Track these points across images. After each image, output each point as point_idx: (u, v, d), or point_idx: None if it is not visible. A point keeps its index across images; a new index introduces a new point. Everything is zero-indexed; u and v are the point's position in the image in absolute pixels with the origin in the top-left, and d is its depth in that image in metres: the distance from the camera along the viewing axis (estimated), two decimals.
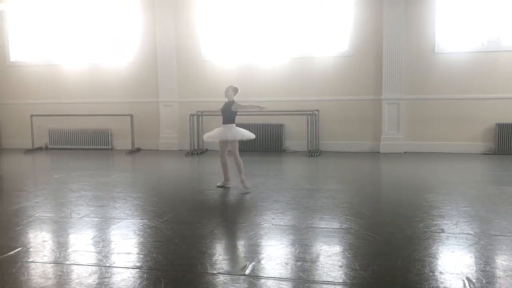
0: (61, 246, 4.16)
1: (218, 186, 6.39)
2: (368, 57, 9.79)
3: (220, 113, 6.55)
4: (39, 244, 4.22)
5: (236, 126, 6.47)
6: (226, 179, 6.44)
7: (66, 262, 3.69)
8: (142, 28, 10.63)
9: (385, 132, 9.80)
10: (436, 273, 3.35)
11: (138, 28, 10.65)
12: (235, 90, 6.48)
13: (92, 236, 4.39)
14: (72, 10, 10.91)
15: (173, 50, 10.51)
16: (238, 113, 6.51)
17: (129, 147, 10.68)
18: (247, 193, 6.07)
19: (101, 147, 10.86)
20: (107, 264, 3.64)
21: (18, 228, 4.67)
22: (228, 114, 6.39)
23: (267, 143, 10.16)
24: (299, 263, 3.57)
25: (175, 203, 5.67)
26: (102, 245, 4.12)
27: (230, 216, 5.02)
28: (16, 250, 3.98)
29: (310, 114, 9.61)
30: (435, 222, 4.62)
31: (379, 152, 9.78)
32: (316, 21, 10.02)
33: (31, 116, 10.75)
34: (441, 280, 3.21)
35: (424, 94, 9.68)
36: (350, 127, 9.97)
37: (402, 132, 9.79)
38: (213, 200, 5.71)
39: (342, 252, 3.85)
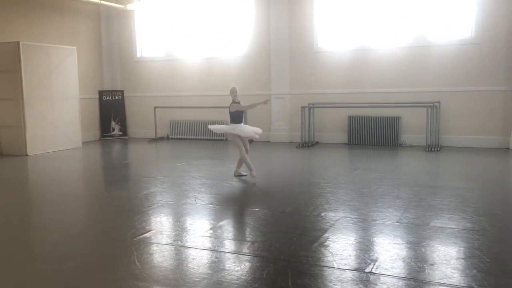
0: (188, 230, 4.39)
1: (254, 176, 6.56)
2: (497, 45, 8.89)
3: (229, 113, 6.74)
4: (169, 227, 4.50)
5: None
6: (250, 168, 6.61)
7: (197, 247, 3.88)
8: (256, 21, 10.82)
9: None
10: None
11: (252, 21, 10.87)
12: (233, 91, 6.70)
13: (217, 223, 4.56)
14: (190, 7, 11.46)
15: (286, 42, 10.56)
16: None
17: None
18: (326, 185, 5.88)
19: (218, 138, 11.31)
20: (233, 251, 3.76)
21: (150, 212, 5.03)
22: (233, 114, 6.62)
23: (382, 136, 9.77)
24: (429, 265, 3.35)
25: (293, 195, 5.68)
26: (227, 232, 4.27)
27: (350, 210, 4.89)
28: (150, 232, 4.29)
29: (430, 106, 9.02)
30: None
31: (508, 148, 8.88)
32: (436, 6, 9.34)
33: (155, 108, 11.56)
34: None
35: None
36: (475, 121, 9.17)
37: None
38: (330, 194, 5.62)
39: (479, 255, 3.53)
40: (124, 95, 12.33)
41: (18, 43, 9.19)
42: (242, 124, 6.78)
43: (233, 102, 6.70)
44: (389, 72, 9.76)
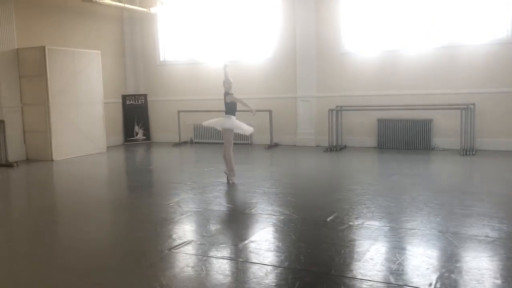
0: (228, 241, 4.19)
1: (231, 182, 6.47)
2: None
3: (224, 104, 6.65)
4: (208, 237, 4.29)
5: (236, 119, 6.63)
6: (231, 169, 6.55)
7: (240, 259, 3.68)
8: (281, 23, 10.62)
9: None
10: None
11: (278, 23, 10.67)
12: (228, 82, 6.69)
13: (258, 233, 4.35)
14: (214, 10, 11.32)
15: (312, 44, 10.33)
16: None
17: (267, 142, 10.79)
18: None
19: (241, 142, 11.12)
20: (279, 265, 3.55)
21: (184, 220, 4.84)
22: (228, 106, 6.59)
23: (413, 140, 9.46)
24: (498, 281, 3.09)
25: (331, 202, 5.44)
26: (269, 243, 4.06)
27: (395, 219, 4.63)
28: (188, 242, 4.10)
29: (464, 109, 8.70)
30: None
31: None
32: (468, 5, 9.01)
33: (178, 112, 11.43)
34: None
35: None
36: None
37: None
38: (370, 201, 5.36)
39: None
40: (148, 99, 12.23)
41: (44, 48, 9.15)
42: (234, 117, 6.61)
43: (228, 93, 6.58)
44: (420, 73, 9.46)
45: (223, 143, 6.78)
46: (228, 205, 5.36)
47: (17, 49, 9.36)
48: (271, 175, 7.50)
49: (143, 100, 12.14)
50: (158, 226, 4.67)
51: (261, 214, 4.99)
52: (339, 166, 8.40)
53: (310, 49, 10.35)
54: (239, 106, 6.72)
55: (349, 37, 10.06)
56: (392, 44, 9.66)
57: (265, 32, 10.90)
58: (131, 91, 12.28)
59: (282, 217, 4.80)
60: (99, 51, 10.45)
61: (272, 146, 10.63)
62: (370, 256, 3.62)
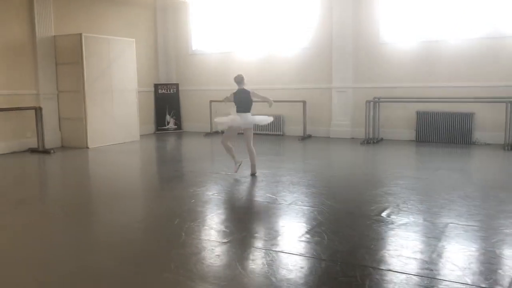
0: (283, 234, 4.07)
1: (235, 171, 6.40)
2: None
3: (234, 102, 6.41)
4: (261, 230, 4.18)
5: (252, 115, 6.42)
6: (236, 161, 6.45)
7: (299, 253, 3.56)
8: (318, 12, 10.40)
9: None
10: None
11: (314, 12, 10.45)
12: (238, 78, 6.46)
13: (312, 226, 4.22)
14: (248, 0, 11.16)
15: (349, 34, 10.08)
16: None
17: (300, 134, 10.63)
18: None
19: (274, 133, 10.99)
20: (343, 260, 3.42)
21: (233, 211, 4.75)
22: (246, 102, 6.31)
23: (453, 133, 9.18)
24: None
25: (381, 195, 5.27)
26: (327, 238, 3.92)
27: (454, 215, 4.43)
28: (242, 235, 3.99)
29: (510, 102, 8.38)
30: None
31: None
32: None
33: (210, 101, 11.33)
34: None
35: None
36: None
37: None
38: (422, 196, 5.18)
39: None
40: (179, 88, 12.17)
41: (80, 35, 9.13)
42: (250, 114, 6.38)
43: (243, 90, 6.37)
44: (462, 65, 9.15)
45: (248, 139, 6.45)
46: (276, 197, 5.24)
47: (54, 36, 9.36)
48: (310, 167, 7.34)
49: (174, 89, 12.09)
50: (208, 216, 4.57)
51: (310, 207, 4.86)
52: (380, 159, 8.19)
53: (347, 38, 10.10)
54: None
55: (388, 26, 9.78)
56: (432, 34, 9.35)
57: (300, 21, 10.69)
58: (163, 80, 12.23)
59: (334, 211, 4.66)
60: (133, 39, 10.40)
61: (306, 137, 10.46)
62: (437, 254, 3.46)
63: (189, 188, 5.90)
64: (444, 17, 9.24)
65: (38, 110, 8.80)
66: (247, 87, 6.52)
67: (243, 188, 5.87)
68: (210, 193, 5.55)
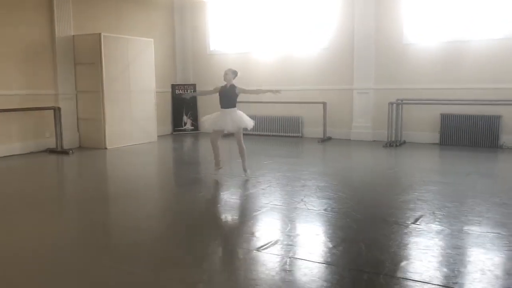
0: (317, 242, 3.90)
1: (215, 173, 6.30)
2: None
3: (219, 97, 6.34)
4: (294, 238, 4.01)
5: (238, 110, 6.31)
6: (217, 164, 6.39)
7: (334, 264, 3.39)
8: (339, 11, 10.20)
9: None
10: None
11: (336, 12, 10.25)
12: (235, 73, 6.35)
13: (345, 235, 4.05)
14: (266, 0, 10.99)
15: (371, 34, 9.87)
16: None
17: (319, 136, 10.44)
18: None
19: (292, 134, 10.82)
20: (381, 272, 3.23)
21: (260, 217, 4.59)
22: (230, 98, 6.22)
23: (479, 137, 8.92)
24: None
25: (412, 201, 5.07)
26: (364, 248, 3.74)
27: (495, 225, 4.23)
28: (275, 243, 3.83)
29: None
30: None
31: None
32: None
33: None
34: None
35: None
36: None
37: None
38: (457, 203, 4.96)
39: None
40: (197, 89, 12.04)
41: (99, 34, 9.04)
42: (236, 109, 6.30)
43: (229, 86, 6.28)
44: (488, 65, 8.89)
45: (239, 136, 6.42)
46: (304, 202, 5.06)
47: (73, 36, 9.29)
48: (334, 170, 7.16)
49: (192, 90, 11.96)
50: (235, 222, 4.42)
51: (340, 214, 4.68)
52: (405, 163, 7.98)
53: (369, 39, 9.90)
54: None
55: (412, 26, 9.56)
56: (457, 34, 9.11)
57: (321, 21, 10.51)
58: (180, 80, 12.12)
59: (364, 218, 4.48)
60: (152, 39, 10.29)
61: (325, 139, 10.27)
62: (482, 267, 3.26)
63: (211, 191, 5.74)
64: (469, 17, 9.00)
65: (56, 110, 8.73)
66: (234, 82, 6.40)
67: (268, 193, 5.70)
68: (234, 197, 5.40)
